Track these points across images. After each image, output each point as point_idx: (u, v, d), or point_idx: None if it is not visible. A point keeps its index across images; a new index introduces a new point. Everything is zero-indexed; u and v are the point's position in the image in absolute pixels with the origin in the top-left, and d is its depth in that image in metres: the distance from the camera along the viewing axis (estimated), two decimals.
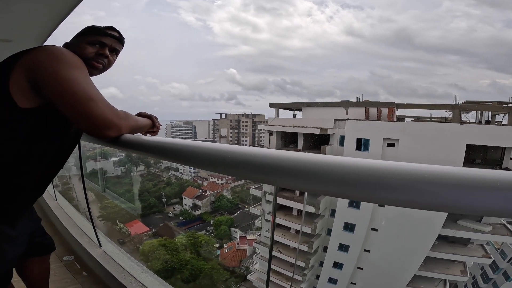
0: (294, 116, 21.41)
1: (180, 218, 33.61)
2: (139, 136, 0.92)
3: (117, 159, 36.08)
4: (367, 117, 16.87)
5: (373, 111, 17.21)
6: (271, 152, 0.58)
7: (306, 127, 17.10)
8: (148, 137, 0.95)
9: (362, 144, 15.04)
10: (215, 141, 75.37)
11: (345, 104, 18.37)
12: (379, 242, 14.35)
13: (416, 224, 12.72)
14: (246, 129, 71.28)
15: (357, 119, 16.08)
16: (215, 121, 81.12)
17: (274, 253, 17.41)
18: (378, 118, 16.94)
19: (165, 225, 29.34)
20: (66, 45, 0.97)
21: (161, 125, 1.15)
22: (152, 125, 1.09)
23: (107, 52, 0.96)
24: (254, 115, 72.33)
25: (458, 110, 16.20)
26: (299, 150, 17.59)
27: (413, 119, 20.11)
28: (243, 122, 72.03)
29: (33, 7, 2.29)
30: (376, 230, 14.57)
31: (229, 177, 41.99)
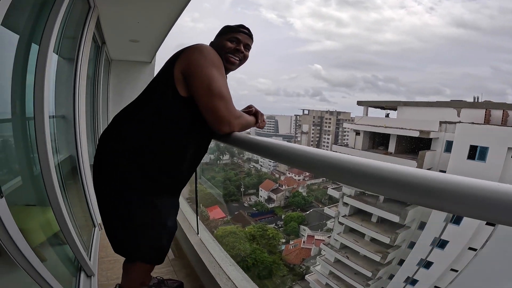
0: (387, 115, 19.15)
1: (254, 209, 34.70)
2: (246, 135, 1.03)
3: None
4: (487, 121, 13.66)
5: (496, 114, 13.85)
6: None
7: (402, 128, 15.05)
8: (259, 138, 0.99)
9: (477, 152, 12.29)
10: (296, 137, 75.18)
11: (456, 105, 15.31)
12: (475, 263, 11.88)
13: None
14: (329, 127, 68.34)
15: (472, 123, 13.17)
16: (297, 116, 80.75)
17: (340, 257, 16.45)
18: (504, 123, 13.52)
19: (240, 213, 30.66)
20: (211, 44, 1.12)
21: (265, 122, 1.25)
22: (255, 122, 1.17)
23: (242, 47, 1.10)
24: (338, 113, 68.55)
25: None
26: (390, 153, 15.74)
27: None
28: (326, 119, 69.28)
29: (152, 14, 2.68)
30: (475, 250, 12.02)
31: (307, 173, 41.27)
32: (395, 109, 18.10)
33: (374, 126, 16.65)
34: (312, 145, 68.72)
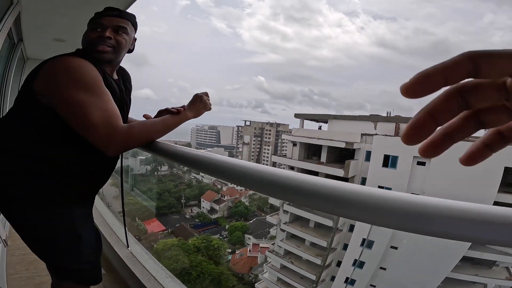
0: (320, 128, 21.09)
1: (197, 220, 33.83)
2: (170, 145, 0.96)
3: (144, 157, 37.50)
4: (397, 133, 16.20)
5: (404, 127, 16.45)
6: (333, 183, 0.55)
7: (331, 139, 16.73)
8: (182, 148, 0.94)
9: (389, 161, 14.43)
10: (238, 147, 75.96)
11: (374, 119, 17.80)
12: (398, 260, 13.71)
13: (440, 245, 11.95)
14: (269, 138, 71.22)
15: (386, 135, 15.47)
16: (239, 127, 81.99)
17: (285, 263, 17.18)
18: None
19: (181, 225, 29.56)
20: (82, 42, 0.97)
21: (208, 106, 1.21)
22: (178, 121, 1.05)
23: (107, 33, 0.91)
24: (278, 124, 72.14)
25: None
26: (322, 163, 17.25)
27: None
28: (266, 130, 72.09)
29: (83, 11, 2.50)
30: (396, 248, 13.89)
31: None
32: (326, 122, 20.05)
33: (308, 137, 18.11)
34: (253, 155, 70.41)
